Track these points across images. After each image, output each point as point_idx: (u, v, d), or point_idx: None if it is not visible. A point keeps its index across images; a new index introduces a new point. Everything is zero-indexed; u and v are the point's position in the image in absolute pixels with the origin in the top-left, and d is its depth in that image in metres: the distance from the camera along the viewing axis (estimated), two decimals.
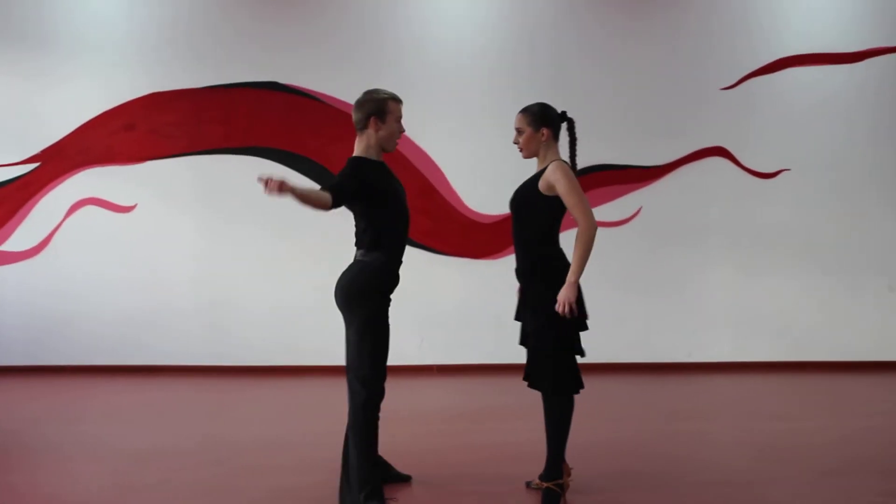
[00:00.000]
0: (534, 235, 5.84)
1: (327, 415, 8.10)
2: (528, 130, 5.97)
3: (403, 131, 5.92)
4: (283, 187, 4.90)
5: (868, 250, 10.56)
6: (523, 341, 6.11)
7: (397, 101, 5.83)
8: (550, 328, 5.71)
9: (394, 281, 5.83)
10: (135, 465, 7.05)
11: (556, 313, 5.58)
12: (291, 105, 10.50)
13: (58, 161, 10.72)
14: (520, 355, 10.46)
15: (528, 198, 5.87)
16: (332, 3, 10.60)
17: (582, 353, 5.82)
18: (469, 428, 8.10)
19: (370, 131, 5.73)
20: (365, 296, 5.64)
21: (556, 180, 5.65)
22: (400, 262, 5.86)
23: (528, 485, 6.16)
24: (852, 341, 10.60)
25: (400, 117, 5.83)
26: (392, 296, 5.85)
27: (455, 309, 10.37)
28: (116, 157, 10.69)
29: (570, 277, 5.50)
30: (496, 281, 9.53)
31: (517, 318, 6.13)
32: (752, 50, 10.61)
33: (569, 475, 5.86)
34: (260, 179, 4.88)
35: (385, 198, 5.70)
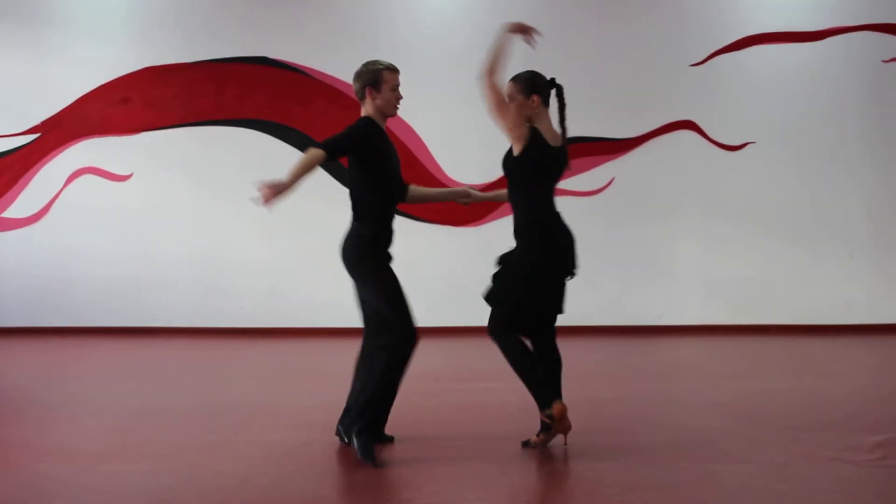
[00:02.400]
0: (518, 197, 5.86)
1: (318, 375, 8.11)
2: (518, 98, 5.89)
3: (401, 98, 5.93)
4: (278, 190, 5.08)
5: (829, 220, 10.59)
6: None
7: (392, 70, 5.86)
8: (506, 280, 5.78)
9: (388, 243, 5.90)
10: (131, 420, 7.03)
11: (519, 272, 5.68)
12: (280, 79, 10.46)
13: (57, 132, 10.68)
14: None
15: (508, 161, 5.92)
16: None
17: (519, 329, 5.85)
18: (455, 387, 8.12)
19: (368, 100, 5.77)
20: (364, 260, 5.76)
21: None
22: (390, 226, 5.88)
23: (524, 444, 5.91)
24: (814, 306, 10.63)
25: (396, 85, 5.86)
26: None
27: (437, 273, 10.36)
28: (113, 129, 10.66)
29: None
30: (476, 247, 9.53)
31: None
32: (720, 28, 10.61)
33: (560, 415, 5.61)
34: (255, 199, 5.07)
35: (381, 158, 5.74)
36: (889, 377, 8.59)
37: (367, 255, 5.76)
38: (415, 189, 6.26)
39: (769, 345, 10.04)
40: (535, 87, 5.91)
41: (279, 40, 10.54)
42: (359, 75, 5.81)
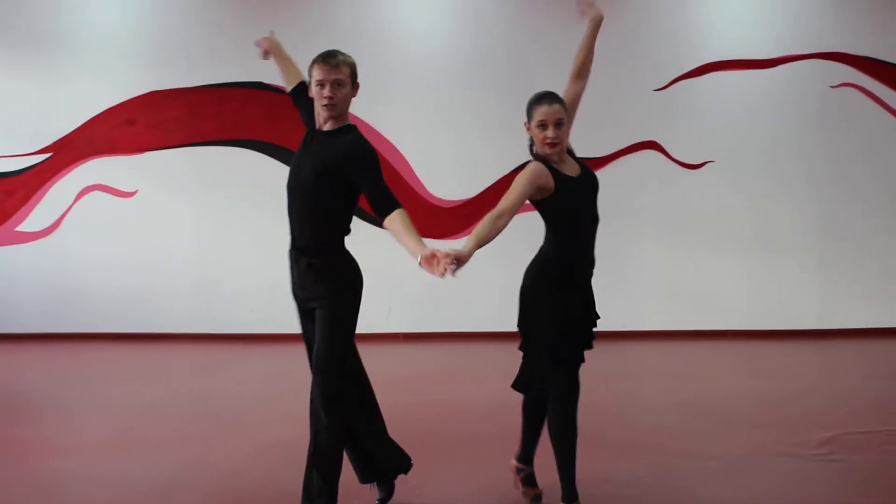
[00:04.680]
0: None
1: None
2: (567, 121, 4.82)
3: (327, 95, 4.52)
4: (459, 261, 4.06)
5: (780, 233, 10.64)
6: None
7: (315, 62, 4.61)
8: (527, 324, 4.84)
9: (293, 270, 4.76)
10: (135, 419, 7.07)
11: (534, 310, 4.76)
12: (275, 103, 10.45)
13: (67, 152, 10.67)
14: (479, 323, 10.51)
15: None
16: (310, 12, 10.57)
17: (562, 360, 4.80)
18: (435, 389, 8.14)
19: None
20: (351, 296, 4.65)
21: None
22: (296, 249, 4.72)
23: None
24: (767, 313, 10.67)
25: (320, 82, 4.54)
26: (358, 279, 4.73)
27: (420, 282, 10.35)
28: (119, 148, 10.65)
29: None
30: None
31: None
32: (681, 56, 10.65)
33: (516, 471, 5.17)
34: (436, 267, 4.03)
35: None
36: (836, 379, 8.65)
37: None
38: (392, 220, 4.44)
39: (725, 349, 10.11)
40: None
41: (274, 67, 10.51)
42: None
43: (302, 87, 5.05)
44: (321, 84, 4.53)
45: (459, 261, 4.05)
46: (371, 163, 4.48)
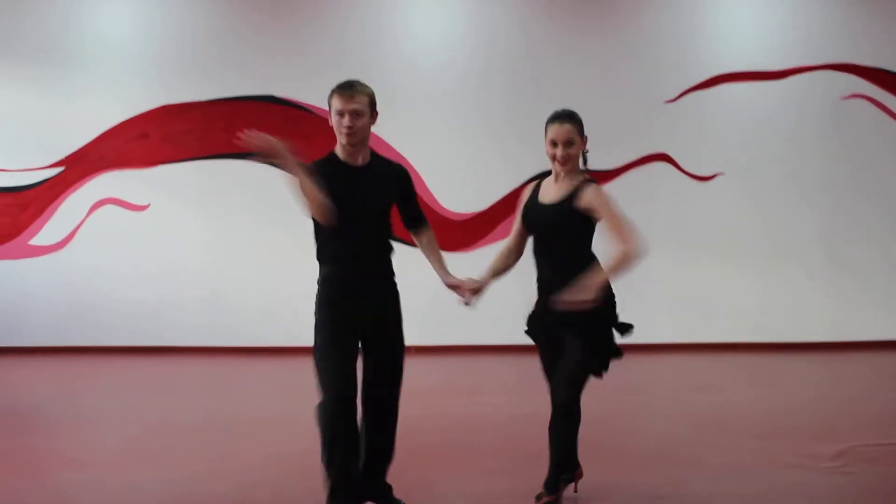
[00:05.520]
0: (574, 253, 5.01)
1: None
2: (578, 141, 4.88)
3: (346, 125, 4.61)
4: (476, 290, 5.02)
5: (790, 245, 10.62)
6: (554, 359, 5.03)
7: (333, 92, 4.68)
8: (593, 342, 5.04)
9: (344, 294, 4.79)
10: (146, 432, 7.07)
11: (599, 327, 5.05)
12: (286, 116, 10.49)
13: (81, 165, 10.69)
14: (489, 336, 10.48)
15: (571, 218, 4.90)
16: (320, 26, 10.66)
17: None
18: (445, 401, 8.13)
19: None
20: (318, 308, 4.82)
21: (601, 205, 4.83)
22: (350, 274, 4.79)
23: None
24: (777, 324, 10.64)
25: (339, 112, 4.63)
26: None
27: (431, 295, 10.34)
28: (132, 162, 10.67)
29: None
30: (467, 271, 9.48)
31: (548, 331, 5.08)
32: (691, 68, 10.65)
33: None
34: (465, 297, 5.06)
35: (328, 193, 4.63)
36: (847, 390, 8.63)
37: (318, 297, 4.85)
38: (422, 235, 5.10)
39: (736, 361, 10.06)
40: (583, 127, 4.99)
41: (284, 81, 10.59)
42: None
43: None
44: (340, 114, 4.64)
45: (476, 292, 4.74)
46: (412, 183, 4.99)
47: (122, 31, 10.76)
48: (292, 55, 10.63)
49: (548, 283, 4.99)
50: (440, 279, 5.09)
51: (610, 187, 10.50)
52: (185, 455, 6.38)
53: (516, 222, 5.17)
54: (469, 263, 9.78)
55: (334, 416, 4.66)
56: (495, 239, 10.38)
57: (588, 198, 4.84)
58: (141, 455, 6.43)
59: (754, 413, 7.55)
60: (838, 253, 10.67)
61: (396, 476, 5.06)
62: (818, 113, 10.63)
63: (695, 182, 10.67)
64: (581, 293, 4.61)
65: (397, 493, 5.01)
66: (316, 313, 4.82)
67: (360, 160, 4.77)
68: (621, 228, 4.82)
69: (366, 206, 4.74)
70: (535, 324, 5.18)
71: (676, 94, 10.67)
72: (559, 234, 4.95)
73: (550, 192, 5.00)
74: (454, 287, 5.08)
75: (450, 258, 4.96)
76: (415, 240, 5.13)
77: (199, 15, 10.75)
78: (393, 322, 5.00)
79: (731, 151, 10.65)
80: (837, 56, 10.65)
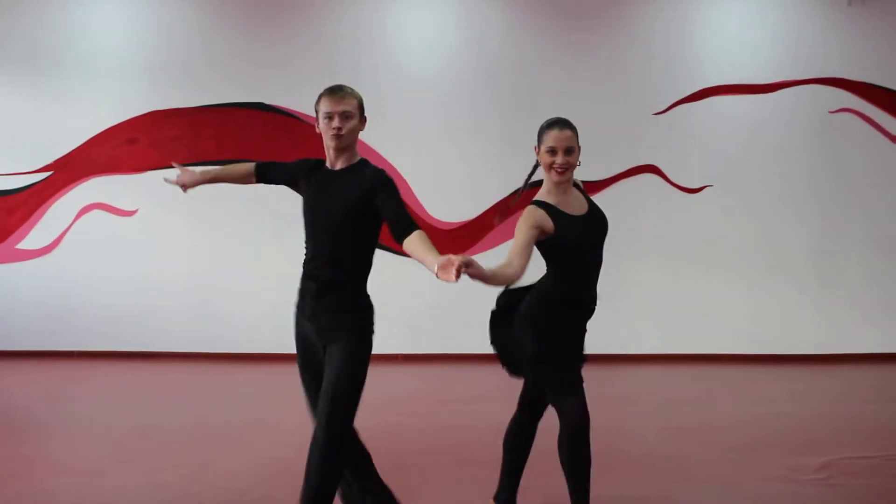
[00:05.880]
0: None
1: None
2: (577, 149, 4.64)
3: (335, 127, 4.42)
4: (469, 265, 3.90)
5: (778, 256, 10.66)
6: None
7: (322, 95, 4.53)
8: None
9: (300, 307, 4.60)
10: (132, 438, 7.06)
11: (520, 340, 4.72)
12: (276, 123, 10.50)
13: (68, 170, 10.68)
14: (477, 345, 10.42)
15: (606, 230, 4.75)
16: (310, 33, 10.69)
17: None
18: (435, 410, 8.14)
19: None
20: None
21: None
22: (306, 284, 4.55)
23: None
24: (765, 337, 10.67)
25: (328, 114, 4.45)
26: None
27: (418, 304, 10.37)
28: (120, 167, 10.66)
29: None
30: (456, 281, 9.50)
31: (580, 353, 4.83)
32: (680, 81, 10.69)
33: None
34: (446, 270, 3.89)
35: (304, 197, 4.65)
36: (832, 403, 8.65)
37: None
38: (412, 240, 4.25)
39: (723, 373, 10.08)
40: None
41: (274, 88, 10.59)
42: None
43: (261, 165, 5.02)
44: (329, 116, 4.45)
45: (469, 265, 3.90)
46: (394, 188, 4.42)
47: (113, 37, 10.77)
48: (282, 63, 10.63)
49: (587, 301, 4.73)
50: (432, 269, 4.04)
51: (599, 198, 10.46)
52: (171, 460, 6.38)
53: (528, 244, 4.41)
54: None
55: (309, 452, 4.39)
56: (484, 248, 10.40)
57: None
58: (127, 459, 6.42)
59: (740, 425, 7.55)
60: (826, 265, 10.71)
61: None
62: (806, 126, 10.68)
63: (683, 194, 10.70)
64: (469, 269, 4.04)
65: None
66: (368, 336, 4.53)
67: (339, 164, 4.55)
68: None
69: (326, 211, 4.48)
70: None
71: (665, 107, 10.70)
72: (602, 244, 4.71)
73: (569, 205, 4.64)
74: (444, 266, 3.93)
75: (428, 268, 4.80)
76: (408, 249, 4.27)
77: (190, 21, 10.75)
78: (341, 347, 4.40)
79: (720, 164, 10.69)
80: (826, 70, 10.70)
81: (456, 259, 3.85)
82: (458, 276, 3.83)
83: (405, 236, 4.27)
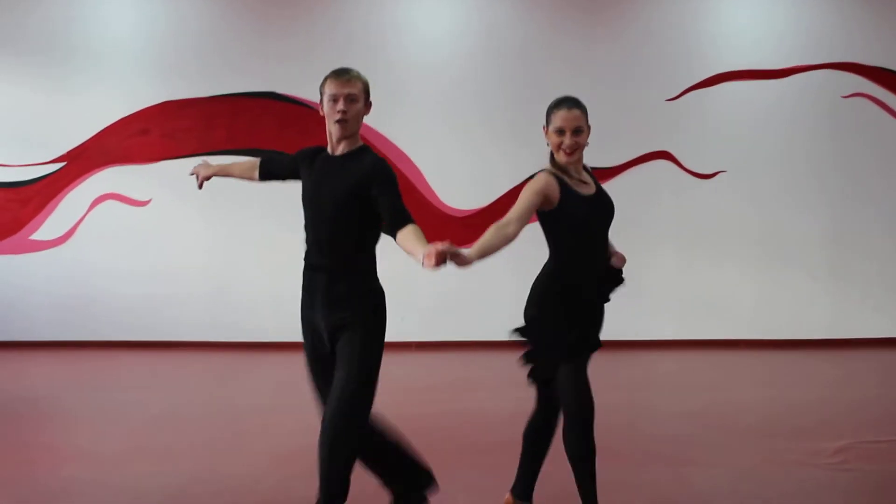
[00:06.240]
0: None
1: None
2: (586, 129, 4.54)
3: (340, 110, 4.36)
4: (455, 255, 3.88)
5: (791, 242, 10.66)
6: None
7: (327, 78, 4.43)
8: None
9: (305, 300, 4.60)
10: (148, 427, 7.09)
11: (533, 324, 4.65)
12: (287, 112, 10.51)
13: (81, 161, 10.70)
14: (491, 332, 10.47)
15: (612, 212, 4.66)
16: (322, 23, 10.69)
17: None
18: (448, 397, 8.18)
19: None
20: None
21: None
22: (310, 274, 4.57)
23: None
24: (777, 323, 10.67)
25: (333, 96, 4.37)
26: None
27: (432, 291, 10.37)
28: (133, 158, 10.68)
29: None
30: (467, 268, 9.48)
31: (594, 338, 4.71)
32: (693, 66, 10.68)
33: None
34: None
35: (303, 183, 4.60)
36: (847, 388, 8.65)
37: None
38: (405, 233, 4.23)
39: (737, 358, 10.09)
40: None
41: (285, 77, 10.59)
42: None
43: (263, 160, 4.99)
44: (334, 98, 4.36)
45: (455, 255, 3.87)
46: (393, 181, 4.37)
47: (125, 29, 10.79)
48: (293, 52, 10.63)
49: (592, 283, 4.61)
50: (417, 259, 4.02)
51: (612, 184, 10.56)
52: (187, 451, 6.40)
53: (529, 209, 4.34)
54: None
55: (319, 446, 4.34)
56: None
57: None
58: (142, 451, 6.44)
59: (755, 411, 7.58)
60: (839, 250, 10.70)
61: None
62: (819, 111, 10.66)
63: (696, 179, 10.70)
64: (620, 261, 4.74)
65: None
66: (381, 318, 4.53)
67: (340, 149, 4.47)
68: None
69: (327, 196, 4.41)
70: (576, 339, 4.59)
71: (678, 93, 10.69)
72: (607, 227, 4.65)
73: (578, 185, 4.54)
74: (429, 254, 3.90)
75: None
76: (400, 243, 4.26)
77: (201, 12, 10.76)
78: (350, 337, 4.36)
79: (732, 149, 10.68)
80: (838, 55, 10.68)
81: (436, 247, 3.84)
82: (438, 263, 3.83)
83: (399, 229, 4.24)
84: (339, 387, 4.29)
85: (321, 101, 4.44)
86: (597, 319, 4.69)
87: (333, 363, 4.40)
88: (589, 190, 4.57)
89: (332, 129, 4.43)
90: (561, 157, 4.49)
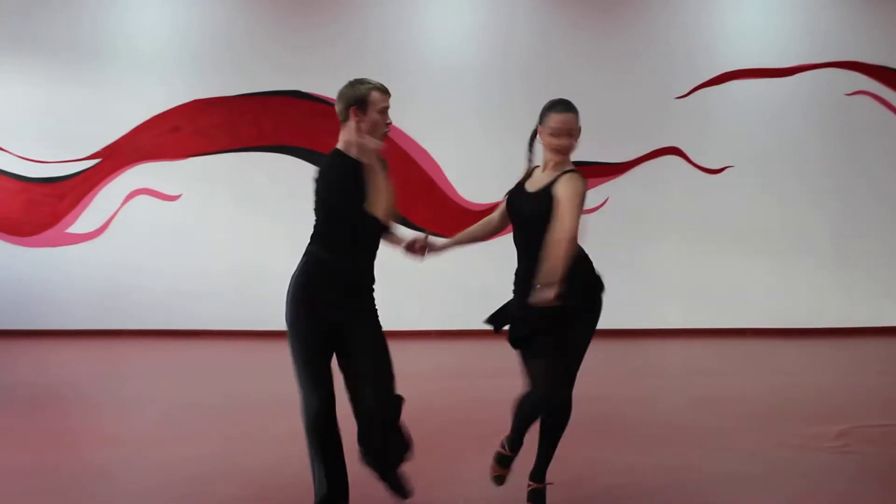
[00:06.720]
0: None
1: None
2: (577, 131, 4.76)
3: (390, 123, 4.60)
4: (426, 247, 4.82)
5: (797, 234, 10.79)
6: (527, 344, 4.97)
7: (382, 91, 4.54)
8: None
9: (343, 279, 4.77)
10: (178, 413, 7.20)
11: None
12: (312, 110, 10.63)
13: (115, 157, 10.85)
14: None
15: (549, 208, 4.59)
16: (344, 22, 10.85)
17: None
18: (466, 384, 8.27)
19: (351, 123, 4.49)
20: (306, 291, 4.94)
21: (563, 192, 4.58)
22: (351, 263, 4.75)
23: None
24: (785, 311, 10.75)
25: (384, 109, 4.53)
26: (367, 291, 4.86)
27: (451, 282, 10.47)
28: (165, 154, 10.84)
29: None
30: (485, 259, 9.55)
31: (522, 325, 4.96)
32: (702, 65, 10.80)
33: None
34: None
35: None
36: (851, 374, 8.79)
37: (308, 284, 4.97)
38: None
39: (743, 346, 10.20)
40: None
41: (311, 76, 10.70)
42: (341, 95, 4.55)
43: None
44: (385, 111, 4.54)
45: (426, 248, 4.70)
46: (323, 175, 4.63)
47: (160, 28, 10.97)
48: (318, 51, 10.75)
49: (525, 277, 4.71)
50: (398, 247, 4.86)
51: (623, 180, 10.69)
52: (214, 435, 6.49)
53: (503, 203, 5.00)
54: (485, 250, 9.93)
55: (315, 426, 4.73)
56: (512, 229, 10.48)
57: (559, 185, 4.62)
58: (173, 431, 6.59)
59: (762, 397, 7.67)
60: (843, 243, 10.85)
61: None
62: (823, 109, 10.78)
63: (705, 175, 10.80)
64: (543, 292, 4.36)
65: (412, 471, 4.94)
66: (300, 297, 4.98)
67: (353, 152, 4.55)
68: (562, 215, 4.49)
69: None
70: (503, 315, 5.15)
71: (687, 91, 10.79)
72: (536, 223, 4.62)
73: (536, 181, 4.84)
74: (408, 247, 4.87)
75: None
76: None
77: (231, 12, 10.93)
78: (365, 328, 4.74)
79: (740, 145, 10.80)
80: (842, 54, 10.80)
81: (419, 248, 4.68)
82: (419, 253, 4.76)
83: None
84: (383, 367, 4.68)
85: (361, 109, 4.48)
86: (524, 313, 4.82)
87: (336, 344, 4.76)
88: (539, 185, 4.79)
89: (374, 142, 4.52)
90: (554, 156, 4.76)
